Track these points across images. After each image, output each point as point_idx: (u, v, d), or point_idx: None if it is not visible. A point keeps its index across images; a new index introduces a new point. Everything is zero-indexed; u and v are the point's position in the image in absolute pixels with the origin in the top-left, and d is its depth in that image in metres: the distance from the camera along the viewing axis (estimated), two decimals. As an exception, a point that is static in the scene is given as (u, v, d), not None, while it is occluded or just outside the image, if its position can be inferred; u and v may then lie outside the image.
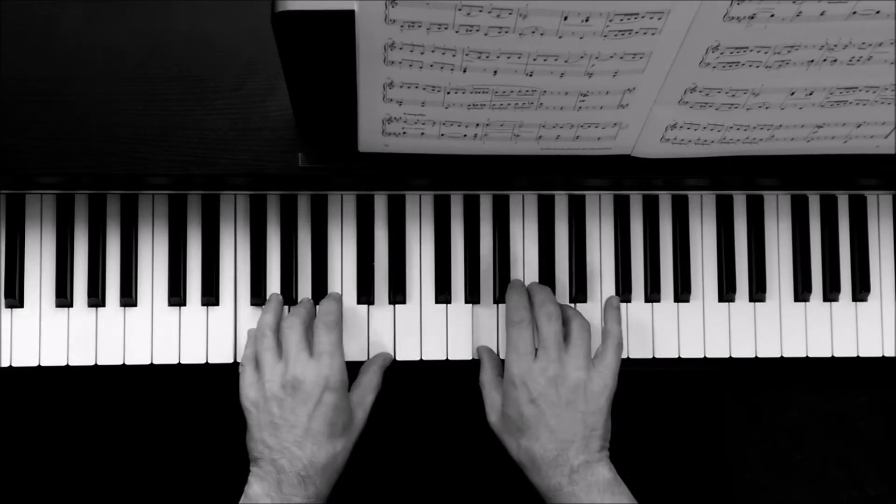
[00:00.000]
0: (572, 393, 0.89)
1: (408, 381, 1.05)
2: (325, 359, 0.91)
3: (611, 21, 0.71)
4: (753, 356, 1.02)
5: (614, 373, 0.92)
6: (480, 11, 0.70)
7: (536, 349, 0.92)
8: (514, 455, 0.92)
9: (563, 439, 0.88)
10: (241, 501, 0.88)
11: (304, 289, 1.00)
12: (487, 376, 0.96)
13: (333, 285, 1.00)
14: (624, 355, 0.97)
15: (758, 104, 0.83)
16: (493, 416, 0.94)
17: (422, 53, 0.75)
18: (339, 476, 0.92)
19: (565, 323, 0.94)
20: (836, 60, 0.77)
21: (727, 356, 1.02)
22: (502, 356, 1.00)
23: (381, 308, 1.01)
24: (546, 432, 0.88)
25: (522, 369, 0.90)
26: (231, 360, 0.99)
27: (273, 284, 1.00)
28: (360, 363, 0.98)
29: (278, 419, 0.89)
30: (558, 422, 0.88)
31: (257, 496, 0.87)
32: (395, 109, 0.83)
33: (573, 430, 0.88)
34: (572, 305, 1.01)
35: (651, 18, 0.71)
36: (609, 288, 1.02)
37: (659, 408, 1.17)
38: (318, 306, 0.96)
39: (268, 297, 0.98)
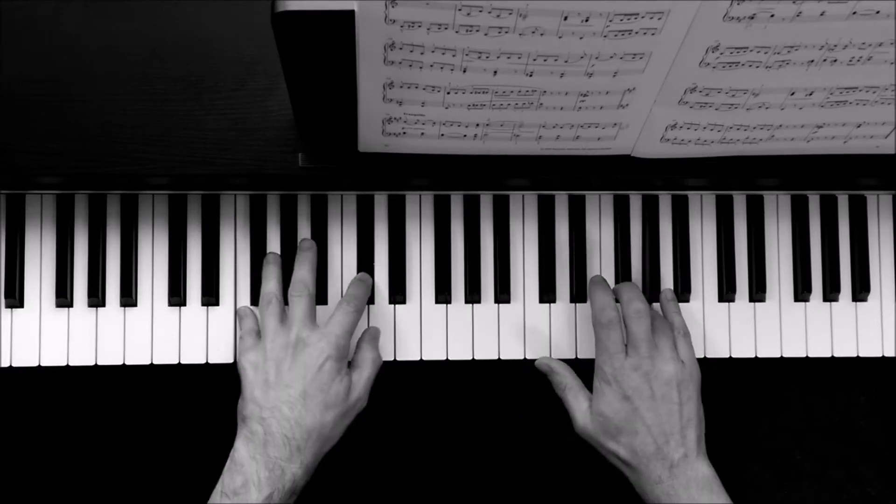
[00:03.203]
0: (665, 386, 0.90)
1: (408, 381, 1.05)
2: (337, 330, 0.92)
3: (611, 21, 0.71)
4: (753, 356, 1.02)
5: (695, 362, 0.93)
6: (480, 11, 0.70)
7: (625, 346, 0.93)
8: (612, 455, 0.91)
9: (661, 433, 0.89)
10: (226, 465, 0.88)
11: (304, 289, 1.00)
12: (567, 379, 0.95)
13: (334, 285, 1.00)
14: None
15: (758, 104, 0.83)
16: (581, 421, 0.93)
17: (422, 53, 0.75)
18: (328, 449, 0.91)
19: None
20: (836, 60, 0.77)
21: (727, 356, 1.02)
22: (503, 356, 1.01)
23: (382, 308, 1.01)
24: (643, 427, 0.89)
25: (615, 368, 0.91)
26: (231, 360, 0.99)
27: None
28: (360, 363, 0.98)
29: (273, 378, 0.90)
30: (654, 416, 0.89)
31: (242, 459, 0.87)
32: (395, 109, 0.83)
33: (670, 422, 0.89)
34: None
35: (651, 18, 0.71)
36: (609, 288, 1.02)
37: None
38: (348, 287, 0.97)
39: (265, 259, 0.98)
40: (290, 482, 0.87)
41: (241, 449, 0.88)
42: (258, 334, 0.94)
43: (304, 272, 0.95)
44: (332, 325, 0.92)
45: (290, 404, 0.88)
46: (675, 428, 0.89)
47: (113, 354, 0.99)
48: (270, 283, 0.96)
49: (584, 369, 0.96)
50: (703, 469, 0.89)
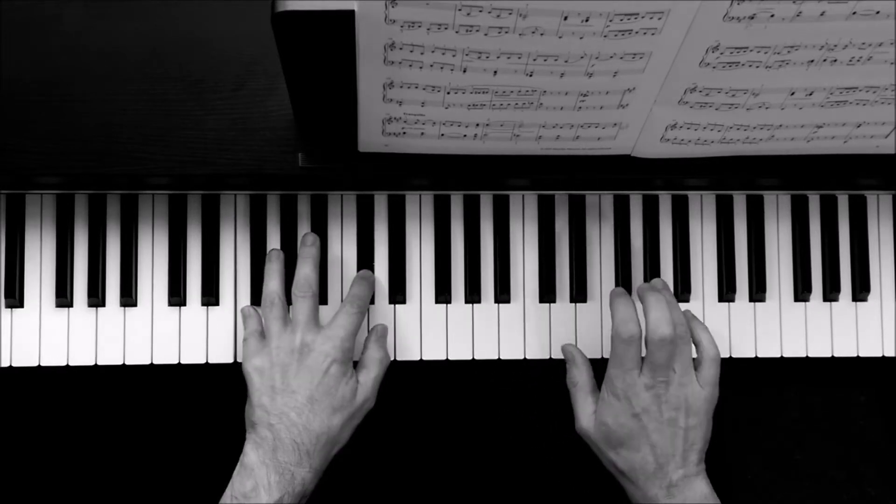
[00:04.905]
0: (675, 410, 0.88)
1: (408, 381, 1.05)
2: (341, 332, 0.92)
3: (611, 21, 0.71)
4: (753, 356, 1.02)
5: (715, 385, 0.91)
6: (480, 11, 0.70)
7: (641, 360, 0.90)
8: (609, 463, 0.92)
9: (663, 454, 0.88)
10: (236, 469, 0.88)
11: (304, 289, 1.00)
12: (582, 377, 0.95)
13: (334, 285, 1.00)
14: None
15: (758, 104, 0.83)
16: (585, 423, 0.93)
17: (422, 53, 0.75)
18: (336, 452, 0.91)
19: None
20: (836, 60, 0.77)
21: (727, 356, 1.02)
22: (503, 356, 1.01)
23: (382, 308, 1.01)
24: (647, 446, 0.88)
25: (627, 384, 0.89)
26: (231, 360, 0.99)
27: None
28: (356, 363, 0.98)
29: (280, 384, 0.90)
30: (660, 437, 0.88)
31: (252, 463, 0.87)
32: (395, 109, 0.83)
33: (674, 445, 0.88)
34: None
35: (651, 18, 0.71)
36: (608, 288, 1.02)
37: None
38: (350, 287, 0.97)
39: (268, 255, 0.98)
40: (299, 485, 0.87)
41: (251, 454, 0.88)
42: (262, 335, 0.94)
43: (307, 270, 0.95)
44: (336, 327, 0.92)
45: (298, 410, 0.89)
46: (677, 450, 0.88)
47: (113, 354, 0.99)
48: (273, 283, 0.95)
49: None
50: (700, 487, 0.88)
